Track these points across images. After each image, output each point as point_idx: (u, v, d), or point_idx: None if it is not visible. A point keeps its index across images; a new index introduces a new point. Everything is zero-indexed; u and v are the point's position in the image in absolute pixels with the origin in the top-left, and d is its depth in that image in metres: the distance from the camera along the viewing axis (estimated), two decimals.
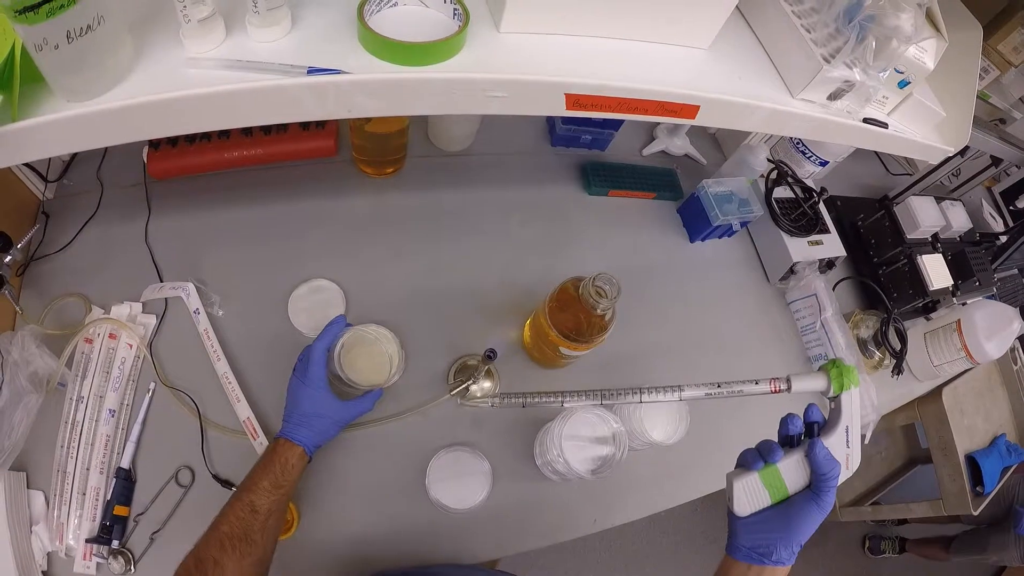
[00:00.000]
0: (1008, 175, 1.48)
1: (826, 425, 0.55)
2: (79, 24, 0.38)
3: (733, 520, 0.54)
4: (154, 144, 0.82)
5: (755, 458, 0.53)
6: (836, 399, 0.55)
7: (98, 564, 0.64)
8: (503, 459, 0.80)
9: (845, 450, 0.53)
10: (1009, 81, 1.17)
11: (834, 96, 0.68)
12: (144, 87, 0.42)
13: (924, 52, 0.69)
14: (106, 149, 0.85)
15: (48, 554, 0.64)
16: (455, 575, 0.66)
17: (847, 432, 0.54)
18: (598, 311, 0.70)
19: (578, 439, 0.73)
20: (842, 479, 0.52)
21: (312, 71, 0.44)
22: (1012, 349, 1.66)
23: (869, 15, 0.60)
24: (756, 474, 0.53)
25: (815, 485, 0.51)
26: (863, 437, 1.01)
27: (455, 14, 0.49)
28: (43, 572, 0.63)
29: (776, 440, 0.55)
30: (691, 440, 0.80)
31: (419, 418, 0.79)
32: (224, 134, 0.84)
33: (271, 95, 0.44)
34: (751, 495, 0.53)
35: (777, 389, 0.58)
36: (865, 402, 0.99)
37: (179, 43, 0.44)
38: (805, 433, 0.55)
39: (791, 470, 0.52)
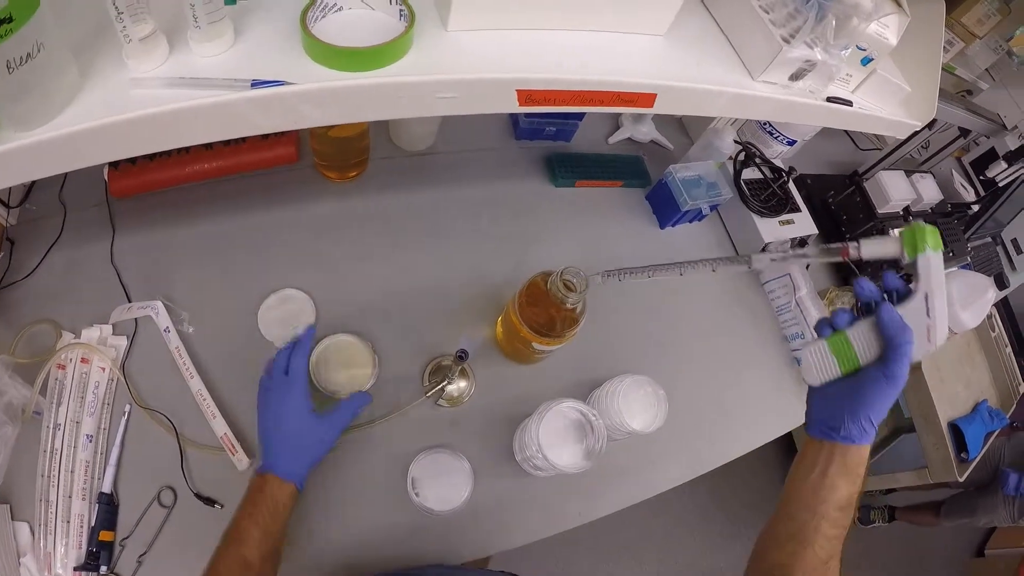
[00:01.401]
0: (977, 145, 1.50)
1: (906, 294, 0.50)
2: (18, 53, 0.37)
3: (810, 394, 0.52)
4: (114, 163, 0.80)
5: (824, 326, 0.51)
6: (913, 264, 0.49)
7: None
8: (483, 458, 0.80)
9: (925, 320, 0.48)
10: (974, 53, 1.18)
11: (796, 76, 0.68)
12: (90, 111, 0.42)
13: (886, 28, 0.69)
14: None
15: None
16: (443, 573, 0.66)
17: (926, 299, 0.48)
18: (568, 305, 0.70)
19: (557, 434, 0.74)
20: (922, 353, 0.48)
21: (256, 84, 0.43)
22: (989, 316, 1.69)
23: None
24: (824, 341, 0.51)
25: (884, 353, 0.48)
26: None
27: (401, 15, 0.49)
28: None
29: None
30: (670, 428, 0.80)
31: (396, 421, 0.79)
32: (184, 148, 0.82)
33: (216, 112, 0.43)
34: (820, 364, 0.51)
35: (847, 254, 0.52)
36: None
37: (123, 64, 0.43)
38: None
39: (862, 339, 0.49)
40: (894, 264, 0.58)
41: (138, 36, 0.42)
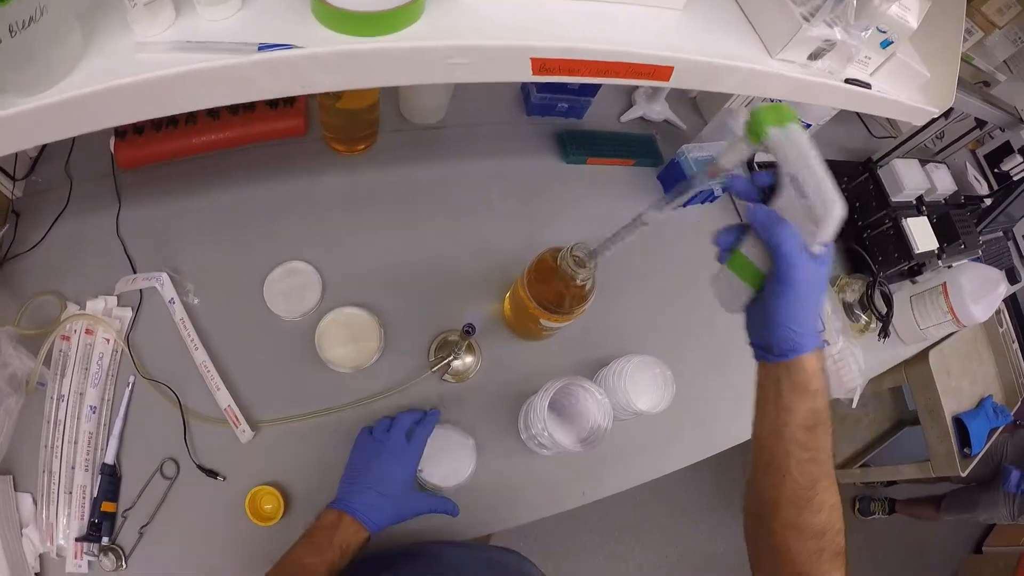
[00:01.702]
0: (992, 138, 1.47)
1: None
2: (19, 17, 0.36)
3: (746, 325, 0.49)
4: (120, 133, 0.80)
5: (722, 252, 0.48)
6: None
7: (89, 562, 0.64)
8: (488, 435, 0.80)
9: (801, 201, 0.42)
10: (993, 43, 1.16)
11: (814, 56, 0.66)
12: (94, 76, 0.41)
13: (907, 11, 0.68)
14: (73, 142, 0.83)
15: (40, 556, 0.64)
16: (445, 552, 0.66)
17: (792, 180, 0.43)
18: (577, 281, 0.69)
19: (563, 412, 0.73)
20: (825, 235, 0.42)
21: (263, 47, 0.42)
22: (998, 311, 1.68)
23: None
24: (724, 267, 0.48)
25: (770, 253, 0.44)
26: (851, 400, 1.02)
27: None
28: (36, 574, 0.63)
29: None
30: (677, 408, 0.80)
31: (401, 396, 0.78)
32: (191, 119, 0.82)
33: (222, 75, 0.42)
34: (731, 291, 0.48)
35: (715, 172, 0.48)
36: (852, 366, 1.00)
37: (128, 28, 0.43)
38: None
39: (755, 249, 0.46)
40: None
41: (143, 0, 0.41)
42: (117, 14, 0.43)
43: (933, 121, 1.20)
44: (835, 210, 0.41)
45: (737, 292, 0.48)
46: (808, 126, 1.16)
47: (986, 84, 1.29)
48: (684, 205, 1.09)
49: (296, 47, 0.43)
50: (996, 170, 1.44)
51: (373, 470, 0.62)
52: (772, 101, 1.09)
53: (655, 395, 0.80)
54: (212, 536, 0.68)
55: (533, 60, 0.48)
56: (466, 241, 0.92)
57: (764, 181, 0.46)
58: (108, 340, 0.72)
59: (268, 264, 0.81)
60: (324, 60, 0.44)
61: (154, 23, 0.43)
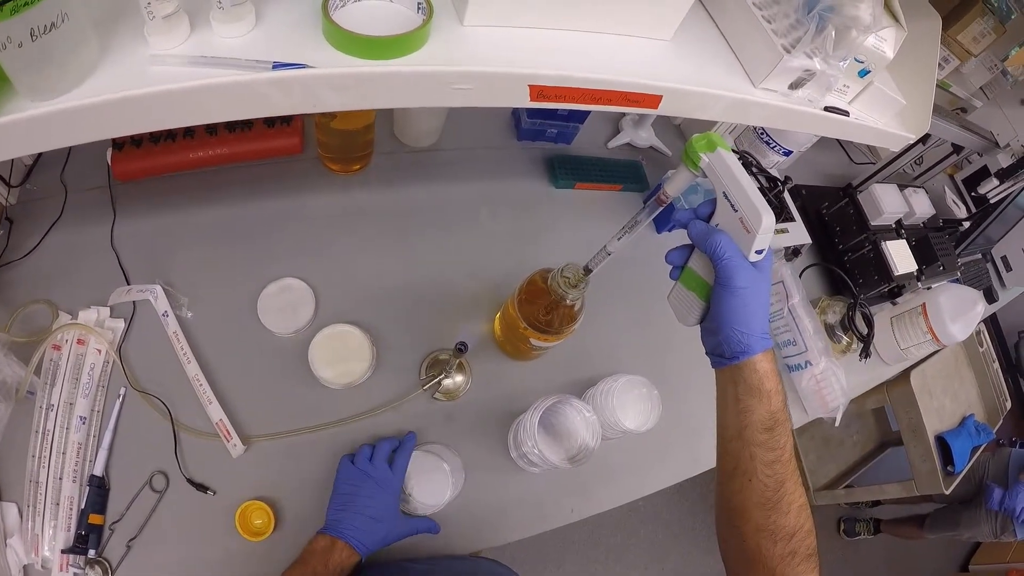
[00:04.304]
0: (970, 162, 1.52)
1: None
2: (43, 22, 0.37)
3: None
4: (117, 145, 0.80)
5: (673, 269, 0.53)
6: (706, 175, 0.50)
7: (75, 575, 0.63)
8: (478, 453, 0.80)
9: (735, 215, 0.47)
10: (969, 71, 1.20)
11: (795, 85, 0.69)
12: (109, 85, 0.42)
13: (883, 41, 0.71)
14: (69, 152, 0.83)
15: (24, 567, 0.63)
16: (435, 565, 0.67)
17: (727, 196, 0.48)
18: (567, 301, 0.71)
19: (552, 430, 0.74)
20: (762, 243, 0.47)
21: (277, 66, 0.44)
22: (978, 331, 1.72)
23: (828, 5, 0.61)
24: (677, 283, 0.53)
25: (713, 264, 0.48)
26: (834, 420, 1.04)
27: (419, 8, 0.49)
28: None
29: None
30: (664, 427, 0.81)
31: (393, 413, 0.79)
32: (189, 134, 0.82)
33: (237, 91, 0.44)
34: (685, 304, 0.53)
35: (664, 199, 0.54)
36: (834, 385, 1.02)
37: (144, 40, 0.44)
38: None
39: (700, 262, 0.51)
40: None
41: (162, 14, 0.42)
42: (132, 25, 0.44)
43: (911, 147, 1.25)
44: (764, 219, 0.46)
45: (691, 305, 0.52)
46: (788, 153, 1.20)
47: (963, 110, 1.34)
48: (669, 229, 1.12)
49: (309, 67, 0.44)
50: (973, 194, 1.49)
51: (362, 497, 0.64)
52: (755, 131, 1.13)
53: (642, 414, 0.81)
54: (201, 550, 0.68)
55: (531, 87, 0.50)
56: (457, 261, 0.93)
57: (704, 212, 0.51)
58: (100, 351, 0.71)
59: (262, 280, 0.82)
60: (335, 81, 0.45)
61: (170, 37, 0.44)
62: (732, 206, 0.48)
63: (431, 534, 0.70)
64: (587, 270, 0.67)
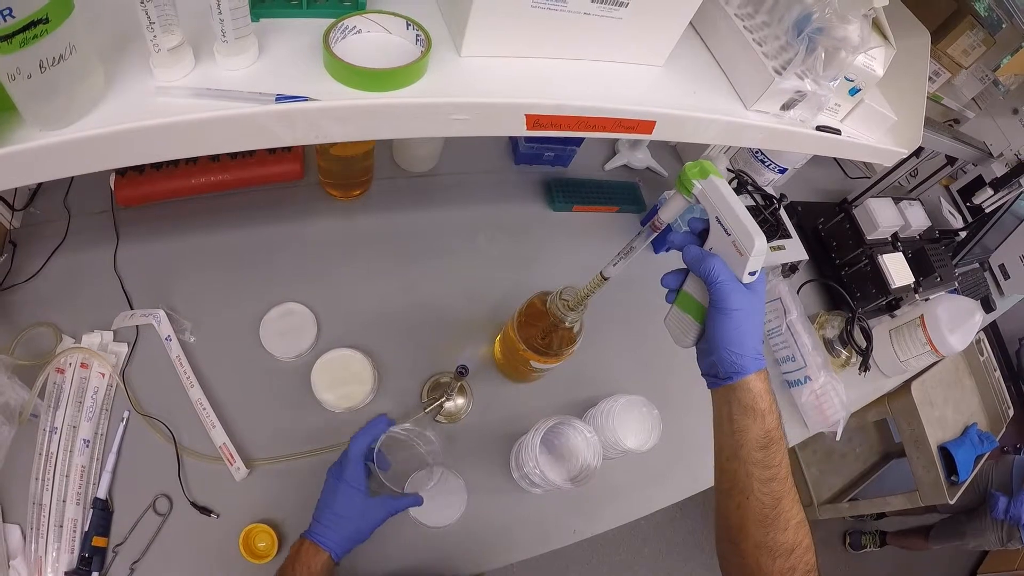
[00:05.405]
0: (964, 173, 1.53)
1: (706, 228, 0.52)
2: (52, 54, 0.38)
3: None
4: (121, 171, 0.81)
5: (669, 293, 0.54)
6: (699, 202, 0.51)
7: None
8: (479, 474, 0.80)
9: (728, 239, 0.49)
10: (961, 83, 1.20)
11: (787, 106, 0.70)
12: (115, 116, 0.43)
13: (873, 60, 0.72)
14: (72, 177, 0.84)
15: None
16: None
17: (720, 221, 0.49)
18: (566, 324, 0.71)
19: (553, 451, 0.74)
20: (755, 265, 0.48)
21: (280, 99, 0.45)
22: (978, 340, 1.72)
23: (817, 27, 0.62)
24: (673, 306, 0.54)
25: (707, 287, 0.49)
26: (835, 434, 1.04)
27: (418, 40, 0.51)
28: None
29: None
30: (664, 446, 0.81)
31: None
32: (191, 160, 0.84)
33: (241, 123, 0.44)
34: (682, 326, 0.54)
35: (659, 225, 0.55)
36: (834, 400, 1.02)
37: (149, 71, 0.45)
38: None
39: (695, 286, 0.52)
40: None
41: (167, 46, 0.43)
42: (137, 57, 0.45)
43: (905, 160, 1.25)
44: (756, 242, 0.47)
45: (686, 328, 0.54)
46: (783, 171, 1.21)
47: (956, 122, 1.34)
48: (667, 250, 1.13)
49: (311, 99, 0.45)
50: (969, 204, 1.49)
51: (325, 495, 0.63)
52: (750, 150, 1.14)
53: (643, 434, 0.81)
54: (205, 573, 0.68)
55: (527, 116, 0.52)
56: (457, 285, 0.94)
57: (698, 227, 0.52)
58: (103, 374, 0.72)
59: (264, 305, 0.82)
60: (337, 113, 0.46)
61: (175, 69, 0.45)
62: (725, 230, 0.49)
63: (416, 505, 0.67)
64: (585, 296, 0.68)
